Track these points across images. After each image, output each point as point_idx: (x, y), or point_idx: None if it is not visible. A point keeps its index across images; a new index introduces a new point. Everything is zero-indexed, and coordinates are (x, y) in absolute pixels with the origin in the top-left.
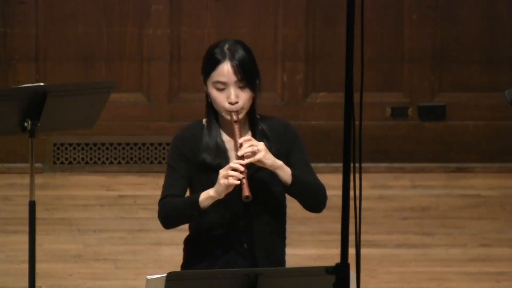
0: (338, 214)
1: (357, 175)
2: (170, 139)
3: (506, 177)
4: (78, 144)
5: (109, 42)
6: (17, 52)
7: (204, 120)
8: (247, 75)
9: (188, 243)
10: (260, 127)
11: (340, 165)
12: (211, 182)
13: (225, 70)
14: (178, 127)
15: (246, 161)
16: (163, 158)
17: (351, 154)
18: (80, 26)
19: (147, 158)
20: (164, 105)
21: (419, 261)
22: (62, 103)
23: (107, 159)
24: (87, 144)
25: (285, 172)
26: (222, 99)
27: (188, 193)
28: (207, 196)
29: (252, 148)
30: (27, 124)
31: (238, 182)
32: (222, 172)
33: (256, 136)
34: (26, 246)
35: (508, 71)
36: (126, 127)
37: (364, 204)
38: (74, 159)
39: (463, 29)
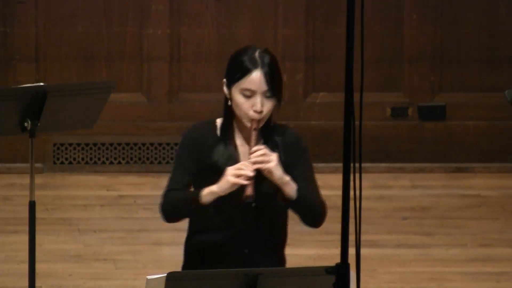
0: (338, 214)
1: (357, 175)
2: (170, 139)
3: (506, 177)
4: (78, 144)
5: (109, 42)
6: (17, 52)
7: (218, 121)
8: (275, 86)
9: (188, 246)
10: (272, 136)
11: (340, 165)
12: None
13: (256, 78)
14: (178, 127)
15: (256, 166)
16: (163, 158)
17: (351, 154)
18: (80, 26)
19: (147, 158)
20: (164, 105)
21: (419, 261)
22: (62, 103)
23: (107, 159)
24: (87, 144)
25: (290, 188)
26: (247, 106)
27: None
28: (209, 191)
29: (264, 158)
30: (27, 124)
31: (247, 182)
32: (231, 169)
33: (268, 144)
34: (26, 246)
35: (508, 71)
36: (126, 127)
37: (364, 204)
38: (74, 159)
39: (463, 29)
